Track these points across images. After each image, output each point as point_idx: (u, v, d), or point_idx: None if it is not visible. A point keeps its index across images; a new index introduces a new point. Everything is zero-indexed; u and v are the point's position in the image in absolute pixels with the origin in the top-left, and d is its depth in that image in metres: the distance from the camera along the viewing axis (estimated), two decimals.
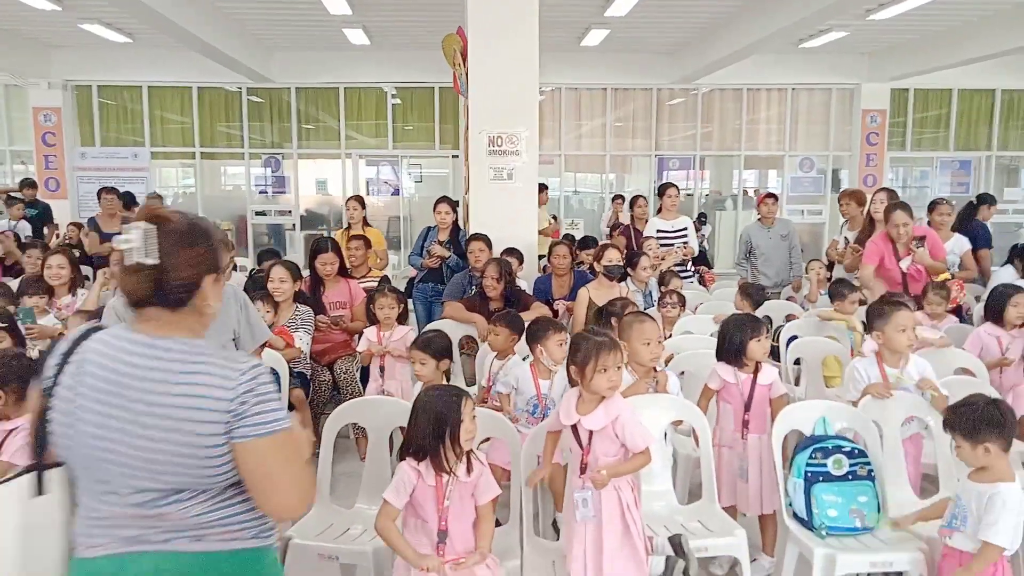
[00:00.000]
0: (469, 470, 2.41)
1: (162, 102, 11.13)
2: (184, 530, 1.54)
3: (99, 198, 7.07)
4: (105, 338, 1.60)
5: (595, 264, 5.10)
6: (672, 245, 6.52)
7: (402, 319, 4.87)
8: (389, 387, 4.30)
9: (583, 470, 2.50)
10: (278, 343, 4.12)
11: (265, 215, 11.74)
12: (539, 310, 4.77)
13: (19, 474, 1.63)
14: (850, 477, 2.92)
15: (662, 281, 5.74)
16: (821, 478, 2.90)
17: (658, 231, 6.57)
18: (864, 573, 2.87)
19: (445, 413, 2.36)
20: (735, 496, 3.23)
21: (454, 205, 6.10)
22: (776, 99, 12.44)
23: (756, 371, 3.29)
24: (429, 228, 6.07)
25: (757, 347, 3.28)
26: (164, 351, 1.55)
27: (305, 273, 4.85)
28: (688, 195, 12.87)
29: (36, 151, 10.60)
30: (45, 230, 8.03)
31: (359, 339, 4.48)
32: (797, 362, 4.74)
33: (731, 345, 3.32)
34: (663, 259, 6.17)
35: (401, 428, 3.19)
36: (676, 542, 2.58)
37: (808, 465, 2.91)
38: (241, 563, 1.60)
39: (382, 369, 4.29)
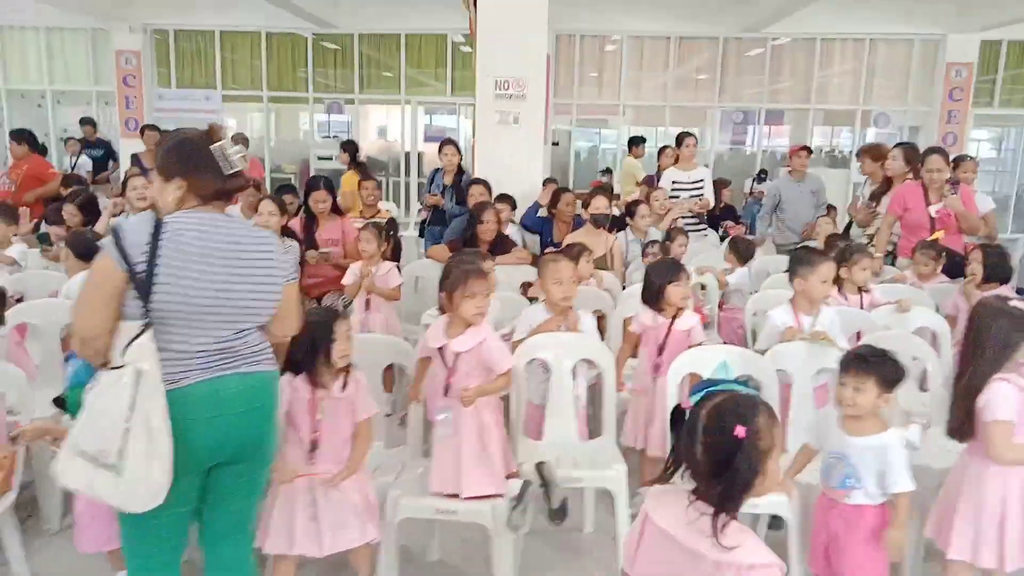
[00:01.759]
0: (345, 387, 2.61)
1: (233, 46, 11.64)
2: (247, 357, 2.11)
3: (142, 135, 7.56)
4: (187, 219, 2.04)
5: (583, 212, 5.15)
6: (686, 197, 6.43)
7: (395, 257, 5.10)
8: (374, 320, 4.53)
9: (447, 391, 2.66)
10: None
11: (329, 159, 12.17)
12: (516, 255, 4.88)
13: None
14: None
15: (669, 237, 5.70)
16: None
17: (673, 182, 6.46)
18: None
19: (320, 331, 2.56)
20: (648, 438, 3.32)
21: (459, 148, 6.21)
22: (852, 51, 11.81)
23: (676, 316, 3.34)
24: (436, 170, 6.23)
25: (675, 291, 3.33)
26: (241, 224, 2.21)
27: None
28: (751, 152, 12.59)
29: (118, 92, 11.32)
30: (110, 164, 8.65)
31: None
32: None
33: (651, 289, 3.38)
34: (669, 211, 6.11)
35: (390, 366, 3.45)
36: (540, 468, 2.72)
37: None
38: (274, 379, 2.24)
39: (367, 303, 4.52)
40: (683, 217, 6.24)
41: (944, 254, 4.46)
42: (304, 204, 5.16)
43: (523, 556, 3.13)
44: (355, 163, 7.43)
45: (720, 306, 4.95)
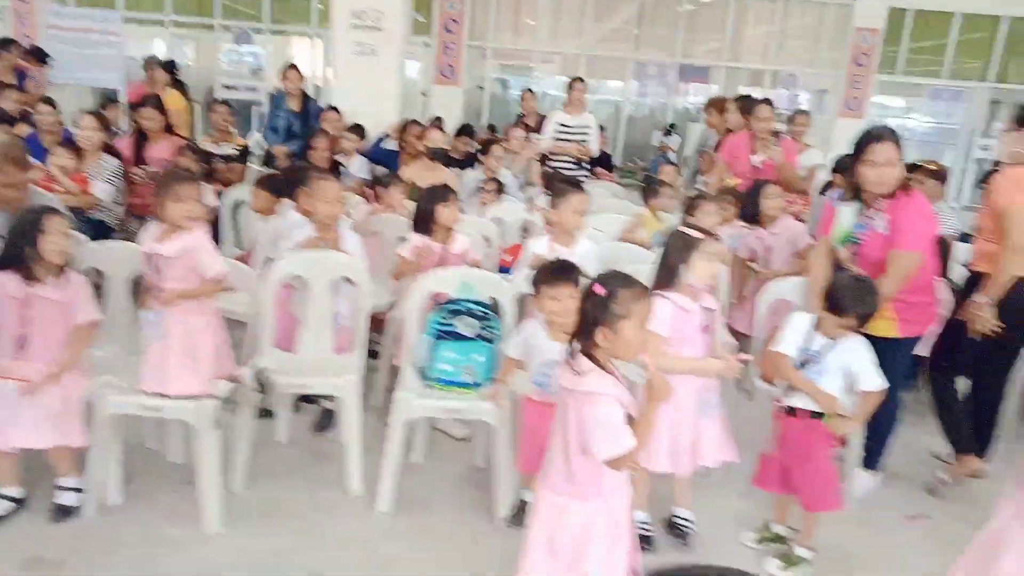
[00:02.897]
0: (60, 287, 2.66)
1: None
2: None
3: None
4: None
5: (414, 141, 5.21)
6: (570, 141, 6.47)
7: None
8: None
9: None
10: (72, 187, 4.42)
11: (235, 89, 11.91)
12: None
13: None
14: (477, 339, 3.10)
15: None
16: (449, 336, 3.09)
17: (560, 124, 6.42)
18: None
19: (27, 224, 2.59)
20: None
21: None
22: (767, 11, 11.94)
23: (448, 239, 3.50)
24: (279, 95, 6.12)
25: (445, 212, 3.46)
26: None
27: None
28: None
29: (12, 5, 10.88)
30: None
31: None
32: None
33: (422, 213, 3.49)
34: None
35: None
36: (258, 373, 2.84)
37: (439, 324, 3.09)
38: None
39: None
40: (564, 161, 6.34)
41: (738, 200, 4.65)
42: (133, 121, 5.11)
43: (274, 459, 3.30)
44: (176, 82, 7.09)
45: None
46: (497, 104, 12.53)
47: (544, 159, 6.31)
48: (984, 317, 3.13)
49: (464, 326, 3.10)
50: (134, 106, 5.07)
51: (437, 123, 5.29)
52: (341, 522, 2.92)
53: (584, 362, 1.94)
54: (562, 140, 6.31)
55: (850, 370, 2.69)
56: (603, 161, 7.64)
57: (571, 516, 2.02)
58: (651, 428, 1.98)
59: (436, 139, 5.13)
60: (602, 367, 1.94)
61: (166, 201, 2.68)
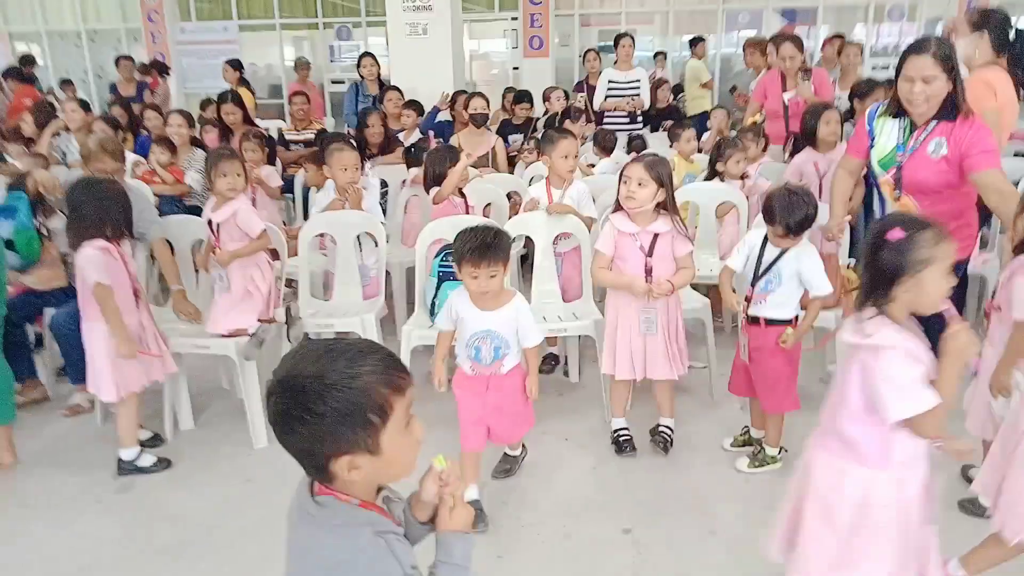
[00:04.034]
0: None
1: None
2: None
3: (117, 65, 8.30)
4: None
5: (463, 111, 5.59)
6: (622, 97, 6.68)
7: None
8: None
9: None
10: (168, 178, 5.17)
11: (341, 83, 12.77)
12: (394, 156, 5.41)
13: None
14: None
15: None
16: (452, 277, 3.48)
17: (610, 81, 6.65)
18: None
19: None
20: None
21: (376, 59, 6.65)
22: None
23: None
24: (358, 83, 6.71)
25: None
26: None
27: None
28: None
29: (144, 28, 12.22)
30: None
31: None
32: None
33: (433, 175, 3.92)
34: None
35: None
36: (287, 310, 3.37)
37: (440, 266, 3.49)
38: None
39: (253, 201, 5.17)
40: (618, 118, 6.57)
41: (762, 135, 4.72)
42: (218, 117, 5.83)
43: None
44: (243, 80, 7.76)
45: None
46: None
47: (600, 117, 6.53)
48: None
49: None
50: (218, 103, 5.76)
51: (479, 93, 5.62)
52: None
53: (874, 323, 1.71)
54: (613, 96, 6.49)
55: (802, 277, 2.84)
56: (674, 114, 7.70)
57: (850, 482, 1.81)
58: (950, 388, 1.68)
59: (478, 106, 5.49)
60: (897, 323, 1.72)
61: (213, 177, 3.25)
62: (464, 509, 1.27)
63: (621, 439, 3.16)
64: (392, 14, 6.30)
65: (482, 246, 2.48)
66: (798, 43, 5.08)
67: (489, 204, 4.45)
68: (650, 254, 2.92)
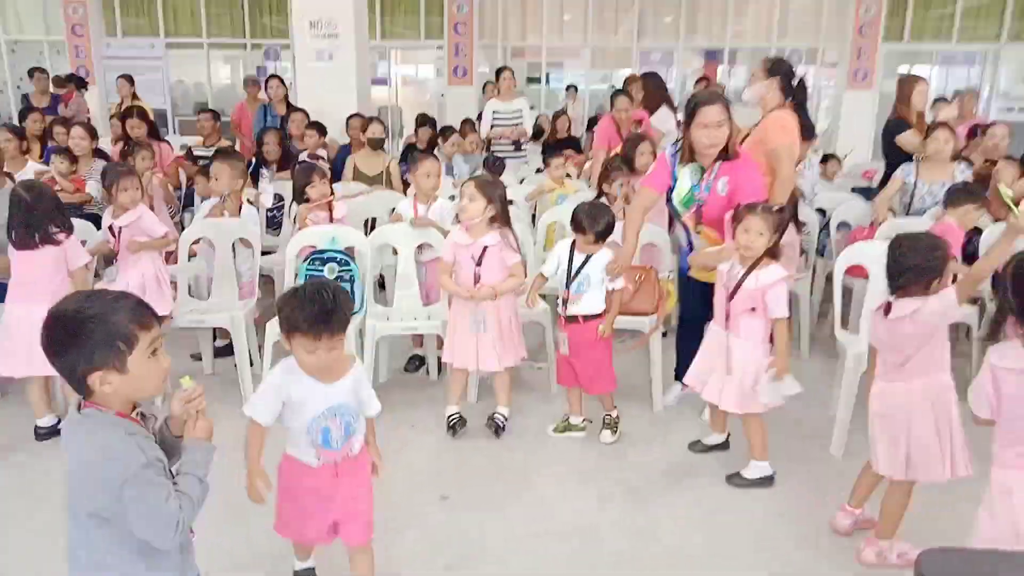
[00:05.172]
0: None
1: None
2: None
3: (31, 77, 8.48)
4: None
5: (360, 134, 5.98)
6: (506, 126, 7.16)
7: None
8: None
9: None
10: (69, 187, 5.40)
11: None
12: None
13: None
14: (339, 280, 3.83)
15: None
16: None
17: (494, 112, 7.15)
18: None
19: None
20: None
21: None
22: None
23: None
24: (266, 105, 7.05)
25: (311, 190, 4.21)
26: None
27: None
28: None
29: (68, 41, 12.28)
30: None
31: None
32: None
33: (297, 189, 4.27)
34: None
35: None
36: None
37: (308, 270, 3.84)
38: None
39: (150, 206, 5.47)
40: (503, 146, 7.04)
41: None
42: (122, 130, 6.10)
43: None
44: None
45: None
46: None
47: (488, 144, 7.00)
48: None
49: (328, 271, 3.84)
50: (123, 116, 6.03)
51: (376, 118, 6.01)
52: None
53: None
54: (499, 126, 7.01)
55: (604, 276, 3.32)
56: (573, 144, 8.20)
57: None
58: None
59: (376, 131, 5.87)
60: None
61: (115, 191, 3.69)
62: (204, 422, 1.64)
63: (452, 422, 3.56)
64: (299, 40, 6.67)
65: (321, 314, 1.97)
66: (629, 97, 5.92)
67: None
68: (479, 264, 3.36)
